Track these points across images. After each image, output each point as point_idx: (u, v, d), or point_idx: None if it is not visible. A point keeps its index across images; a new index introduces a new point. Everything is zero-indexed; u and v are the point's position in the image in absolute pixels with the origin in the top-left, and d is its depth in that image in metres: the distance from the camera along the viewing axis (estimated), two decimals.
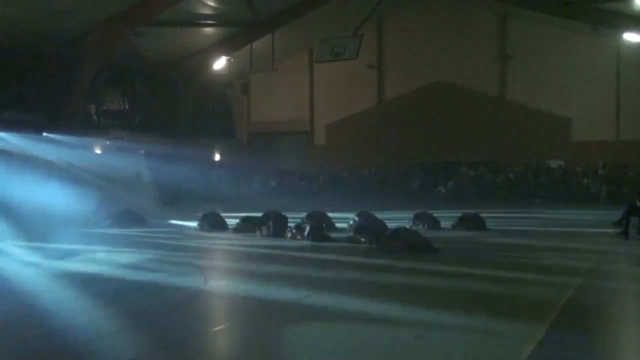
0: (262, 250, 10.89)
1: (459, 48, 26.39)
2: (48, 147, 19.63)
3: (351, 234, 12.01)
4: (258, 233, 13.06)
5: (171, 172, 25.16)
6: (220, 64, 25.34)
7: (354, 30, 18.28)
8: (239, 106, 31.56)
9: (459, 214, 14.49)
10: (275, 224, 12.86)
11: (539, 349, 4.79)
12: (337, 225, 14.14)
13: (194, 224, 14.60)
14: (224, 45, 24.66)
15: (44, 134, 19.99)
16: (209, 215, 14.59)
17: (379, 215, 13.56)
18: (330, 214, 14.85)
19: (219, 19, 23.06)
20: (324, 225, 13.84)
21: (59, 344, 5.07)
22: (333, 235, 12.45)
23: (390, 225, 12.18)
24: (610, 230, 12.69)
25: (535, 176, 24.36)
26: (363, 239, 11.46)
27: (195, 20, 22.68)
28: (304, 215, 14.18)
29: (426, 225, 14.04)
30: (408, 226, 13.46)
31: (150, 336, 5.27)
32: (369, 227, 11.75)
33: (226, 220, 14.48)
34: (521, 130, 25.21)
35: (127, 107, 25.66)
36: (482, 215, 14.50)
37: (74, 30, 19.90)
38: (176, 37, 23.30)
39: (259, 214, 13.51)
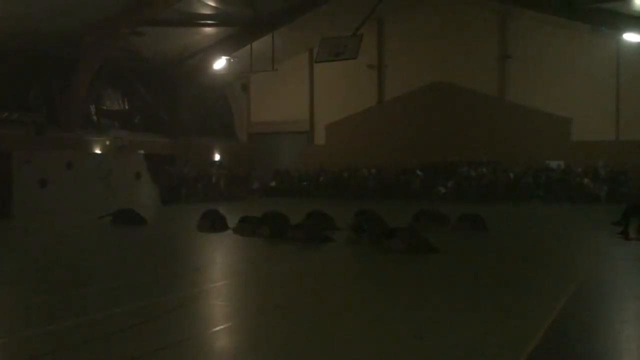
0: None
1: (459, 48, 26.36)
2: None
3: (351, 233, 11.99)
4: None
5: (171, 171, 25.21)
6: (220, 64, 25.30)
7: (354, 30, 18.22)
8: (239, 106, 31.51)
9: (459, 214, 14.49)
10: (275, 224, 12.87)
11: None
12: (337, 225, 14.13)
13: None
14: (224, 45, 24.62)
15: None
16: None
17: (378, 215, 13.55)
18: (330, 214, 14.84)
19: (219, 19, 23.02)
20: (324, 225, 13.84)
21: None
22: (333, 235, 12.44)
23: (390, 225, 12.18)
24: (610, 230, 12.68)
25: (535, 176, 24.32)
26: (363, 239, 11.45)
27: (195, 20, 22.64)
28: (304, 215, 14.18)
29: (426, 225, 14.02)
30: (407, 225, 13.45)
31: None
32: (369, 227, 11.74)
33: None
34: (521, 130, 25.18)
35: (127, 107, 25.63)
36: (481, 215, 14.49)
37: (74, 30, 19.85)
38: (176, 37, 23.26)
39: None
